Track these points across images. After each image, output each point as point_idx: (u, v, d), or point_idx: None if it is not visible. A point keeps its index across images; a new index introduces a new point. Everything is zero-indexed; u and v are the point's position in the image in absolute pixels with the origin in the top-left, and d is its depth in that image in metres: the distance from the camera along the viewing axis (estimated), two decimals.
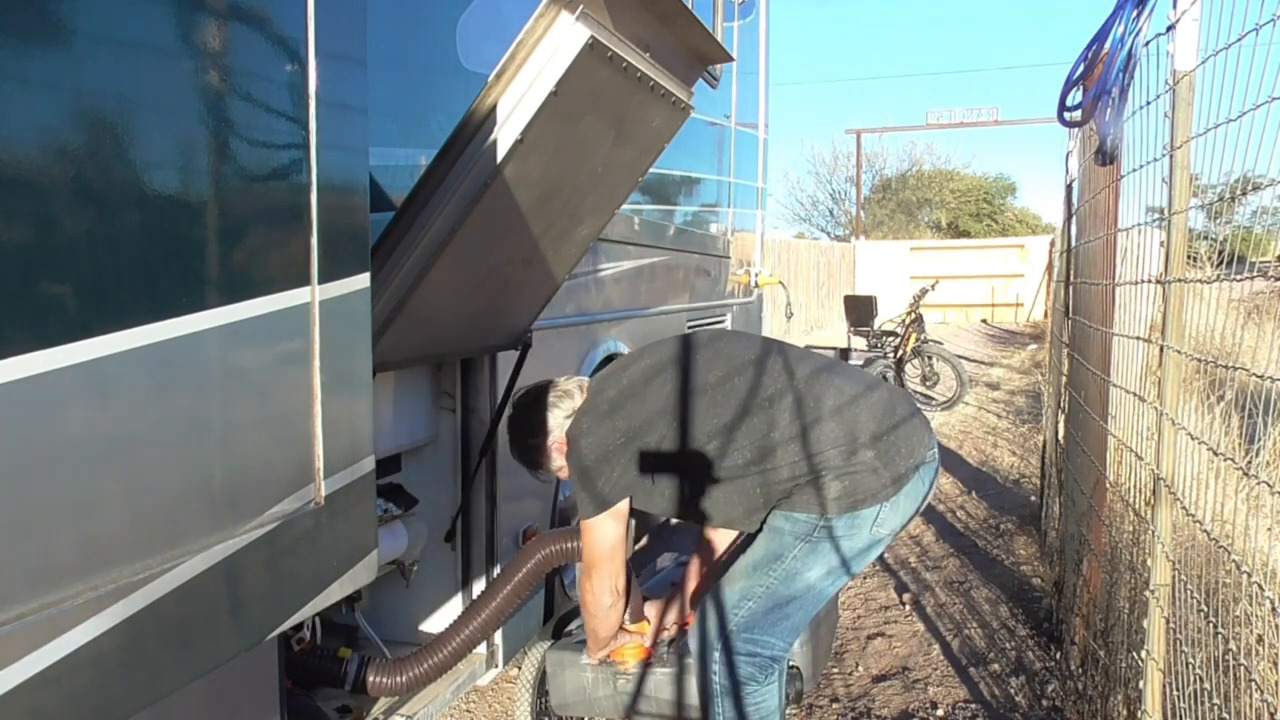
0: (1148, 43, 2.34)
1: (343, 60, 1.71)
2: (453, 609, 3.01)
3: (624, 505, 2.37)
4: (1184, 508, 1.95)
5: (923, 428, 2.41)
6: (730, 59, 2.99)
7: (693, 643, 2.46)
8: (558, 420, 2.49)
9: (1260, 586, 1.55)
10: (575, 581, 3.72)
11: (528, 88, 2.07)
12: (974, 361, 14.03)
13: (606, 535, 2.38)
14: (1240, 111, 1.58)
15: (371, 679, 2.45)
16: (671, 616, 2.71)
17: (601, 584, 2.42)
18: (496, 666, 3.02)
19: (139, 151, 1.33)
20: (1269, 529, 2.21)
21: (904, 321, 10.42)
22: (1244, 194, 1.74)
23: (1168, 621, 2.02)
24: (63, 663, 1.23)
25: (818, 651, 2.86)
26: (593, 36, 2.02)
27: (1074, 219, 4.19)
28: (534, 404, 2.51)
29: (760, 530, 2.42)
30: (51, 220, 1.21)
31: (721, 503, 2.39)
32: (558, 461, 2.54)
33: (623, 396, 2.43)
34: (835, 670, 3.61)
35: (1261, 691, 1.65)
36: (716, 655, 2.38)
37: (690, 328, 4.75)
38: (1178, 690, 1.92)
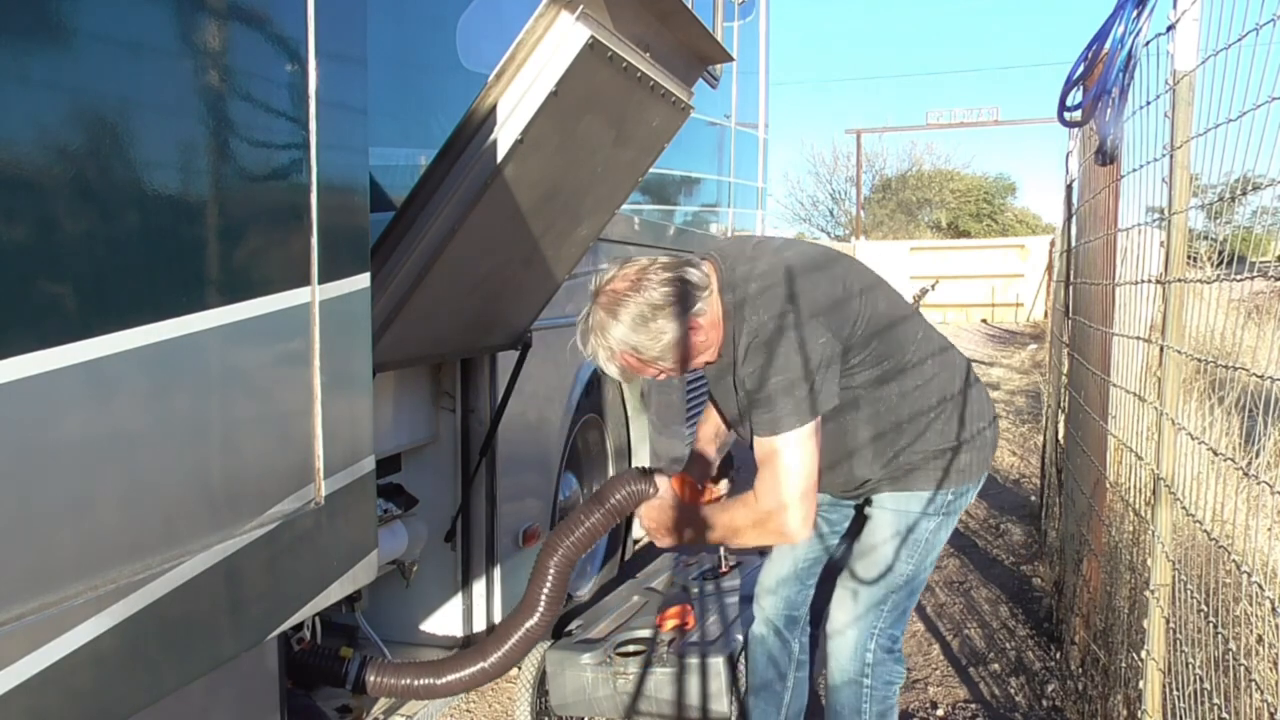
0: (1148, 43, 2.34)
1: (343, 60, 1.71)
2: (453, 609, 3.01)
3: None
4: (1184, 508, 1.95)
5: None
6: (730, 59, 2.99)
7: (838, 659, 2.28)
8: (698, 299, 2.01)
9: (1260, 586, 1.55)
10: (574, 583, 3.72)
11: (528, 88, 2.07)
12: (974, 361, 13.97)
13: (810, 452, 1.98)
14: (1240, 112, 1.58)
15: (372, 679, 2.43)
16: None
17: (808, 513, 1.99)
18: None
19: (139, 151, 1.33)
20: (1269, 529, 2.21)
21: None
22: (1244, 194, 1.74)
23: (1168, 621, 2.02)
24: (63, 663, 1.23)
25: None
26: (593, 36, 2.02)
27: (1074, 219, 4.19)
28: (675, 270, 2.02)
29: (866, 521, 2.27)
30: (51, 220, 1.22)
31: (866, 451, 2.15)
32: (676, 351, 2.02)
33: (830, 302, 2.04)
34: None
35: (1261, 691, 1.65)
36: (869, 659, 2.25)
37: None
38: (1178, 690, 1.92)
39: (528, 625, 2.30)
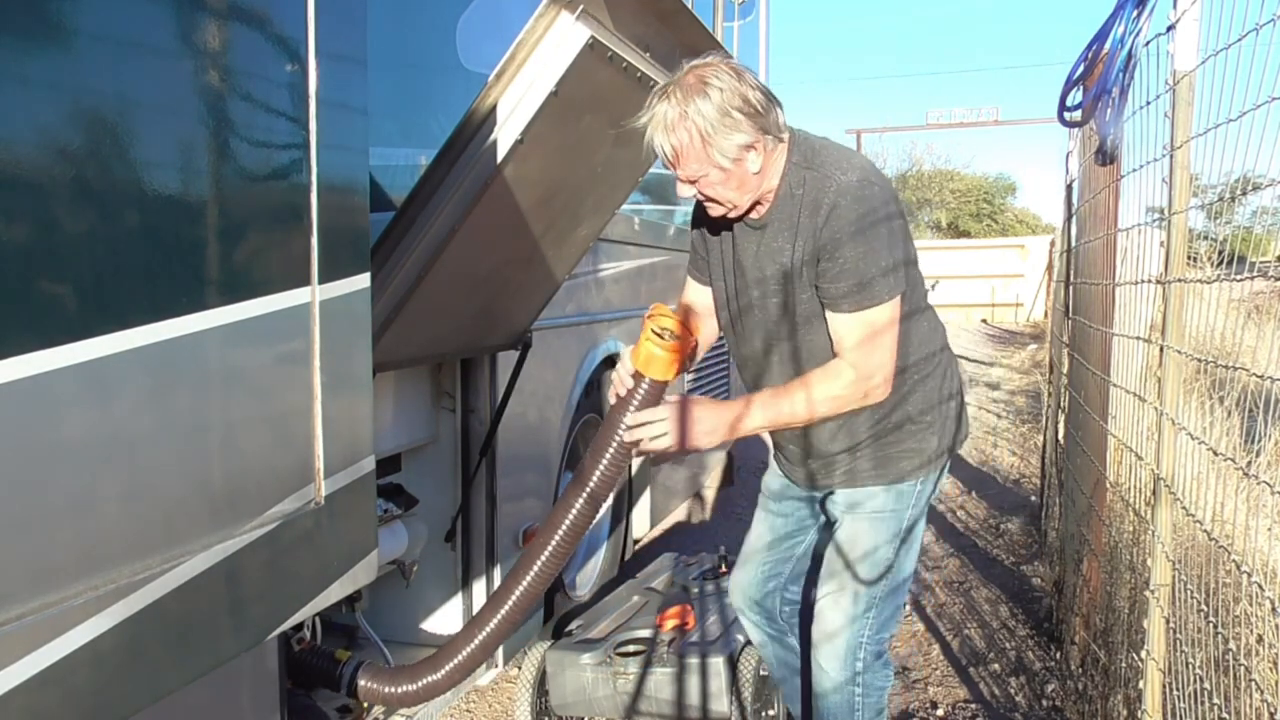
0: (1148, 43, 2.34)
1: (343, 60, 1.71)
2: (453, 609, 3.01)
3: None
4: (1184, 508, 1.95)
5: None
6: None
7: (828, 668, 2.21)
8: (774, 132, 1.96)
9: (1260, 586, 1.55)
10: (574, 582, 3.73)
11: (528, 88, 2.07)
12: (974, 361, 14.02)
13: (896, 321, 2.02)
14: (1240, 112, 1.58)
15: (364, 684, 2.32)
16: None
17: (891, 373, 2.03)
18: (496, 666, 3.02)
19: (139, 151, 1.33)
20: (1269, 529, 2.21)
21: None
22: (1244, 194, 1.74)
23: (1168, 621, 2.02)
24: (63, 663, 1.23)
25: None
26: (593, 36, 2.02)
27: (1074, 219, 4.20)
28: (767, 94, 1.99)
29: (837, 526, 2.23)
30: (51, 220, 1.21)
31: (916, 388, 2.17)
32: (736, 152, 1.92)
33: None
34: None
35: (1261, 691, 1.65)
36: (859, 666, 2.19)
37: None
38: (1178, 690, 1.92)
39: (525, 581, 2.12)
